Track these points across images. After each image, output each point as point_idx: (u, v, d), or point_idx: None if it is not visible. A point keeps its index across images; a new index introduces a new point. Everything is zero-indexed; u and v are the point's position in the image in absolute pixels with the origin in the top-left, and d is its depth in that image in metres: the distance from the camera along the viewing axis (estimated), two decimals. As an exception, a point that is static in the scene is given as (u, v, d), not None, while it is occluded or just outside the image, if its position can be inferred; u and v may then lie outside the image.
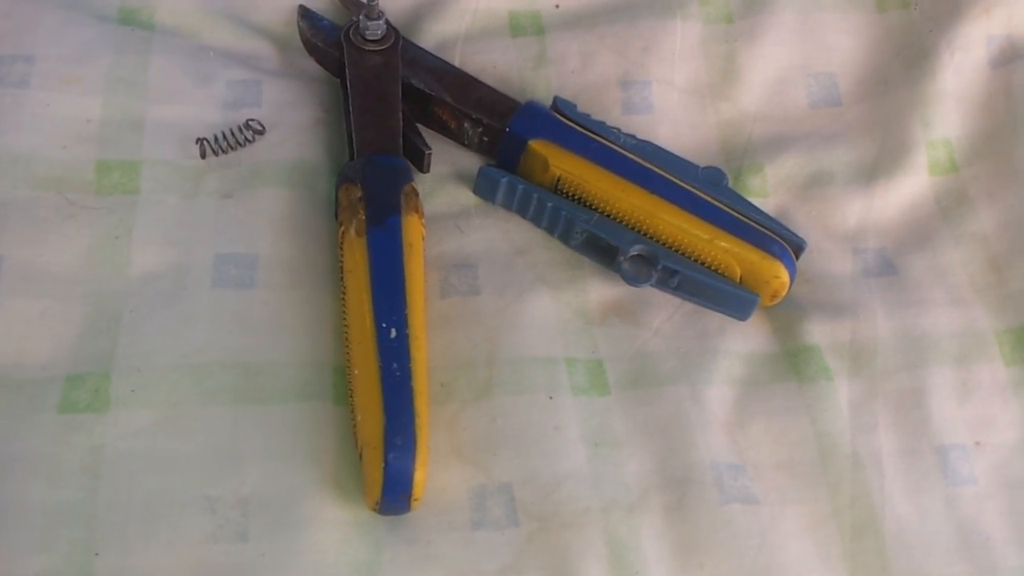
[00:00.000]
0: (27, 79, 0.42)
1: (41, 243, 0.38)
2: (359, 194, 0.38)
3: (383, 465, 0.33)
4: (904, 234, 0.44)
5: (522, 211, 0.43)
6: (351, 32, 0.44)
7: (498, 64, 0.46)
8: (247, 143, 0.42)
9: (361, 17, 0.44)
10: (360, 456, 0.34)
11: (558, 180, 0.42)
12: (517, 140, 0.42)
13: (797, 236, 0.42)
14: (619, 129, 0.43)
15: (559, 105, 0.43)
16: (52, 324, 0.37)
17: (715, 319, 0.41)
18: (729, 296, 0.40)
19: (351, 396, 0.36)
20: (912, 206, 0.44)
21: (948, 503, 0.37)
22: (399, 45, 0.44)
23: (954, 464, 0.38)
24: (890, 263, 0.43)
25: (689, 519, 0.36)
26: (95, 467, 0.34)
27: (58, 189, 0.40)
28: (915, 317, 0.41)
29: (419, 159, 0.43)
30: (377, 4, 0.43)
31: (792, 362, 0.40)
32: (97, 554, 0.33)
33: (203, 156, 0.42)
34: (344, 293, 0.37)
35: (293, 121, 0.43)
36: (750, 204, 0.42)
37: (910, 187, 0.44)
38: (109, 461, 0.34)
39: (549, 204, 0.41)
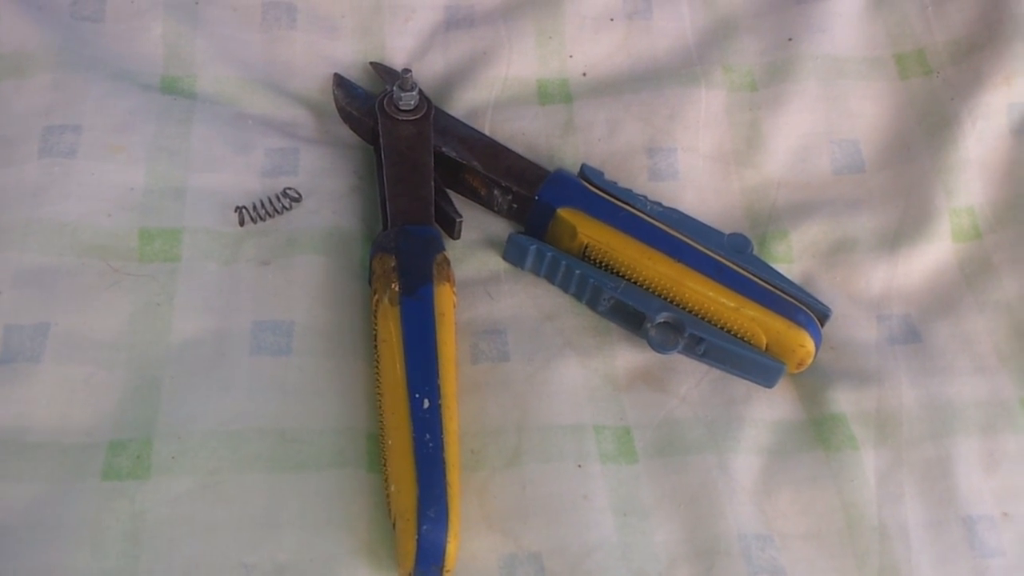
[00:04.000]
0: (75, 148, 0.43)
1: (86, 310, 0.40)
2: (393, 264, 0.39)
3: (416, 537, 0.33)
4: (928, 301, 0.44)
5: (550, 277, 0.43)
6: (385, 102, 0.45)
7: (527, 131, 0.47)
8: (284, 211, 0.44)
9: (395, 88, 0.45)
10: (393, 526, 0.35)
11: (586, 247, 0.43)
12: (546, 208, 0.43)
13: (822, 304, 0.42)
14: (645, 197, 0.44)
15: (586, 173, 0.44)
16: (96, 390, 0.38)
17: (741, 386, 0.41)
18: (755, 364, 0.41)
19: (384, 466, 0.36)
20: (936, 273, 0.45)
21: (976, 575, 0.37)
22: (431, 115, 0.45)
23: (981, 535, 0.38)
24: (915, 330, 0.43)
25: (717, 590, 0.36)
26: (136, 534, 0.35)
27: (102, 256, 0.41)
28: (940, 385, 0.41)
29: (450, 226, 0.44)
30: (411, 76, 0.45)
31: (818, 431, 0.40)
32: (138, 620, 0.33)
33: (242, 224, 0.43)
34: (378, 361, 0.38)
35: (328, 189, 0.45)
36: (775, 271, 0.42)
37: (934, 254, 0.45)
38: (150, 528, 0.35)
39: (577, 271, 0.42)
